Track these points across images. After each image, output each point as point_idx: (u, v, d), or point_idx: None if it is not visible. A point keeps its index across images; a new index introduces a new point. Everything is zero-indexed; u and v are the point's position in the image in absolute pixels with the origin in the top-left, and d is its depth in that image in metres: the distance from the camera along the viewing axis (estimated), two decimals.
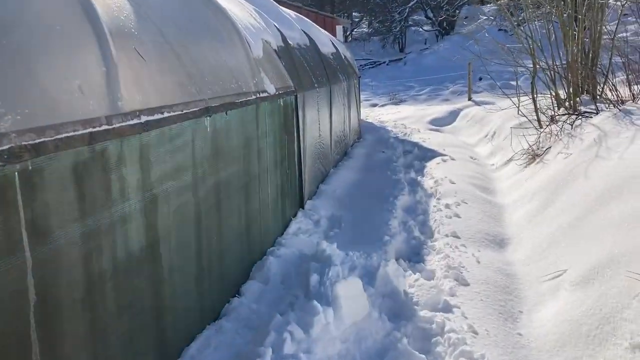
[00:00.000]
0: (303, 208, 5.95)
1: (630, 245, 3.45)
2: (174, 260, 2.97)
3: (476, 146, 11.02)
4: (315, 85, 6.98)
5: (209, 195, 3.46)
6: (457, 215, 5.60)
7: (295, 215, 5.68)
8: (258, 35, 5.22)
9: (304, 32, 7.97)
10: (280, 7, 8.11)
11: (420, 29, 33.75)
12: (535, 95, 9.06)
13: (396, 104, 17.92)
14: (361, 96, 21.67)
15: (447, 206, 5.92)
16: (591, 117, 7.19)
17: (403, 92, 20.91)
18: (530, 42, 9.06)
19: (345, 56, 10.90)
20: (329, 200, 6.46)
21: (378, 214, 5.86)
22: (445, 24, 31.59)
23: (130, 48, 2.73)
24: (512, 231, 5.33)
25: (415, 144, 10.57)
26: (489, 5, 33.65)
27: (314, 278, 3.73)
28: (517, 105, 9.67)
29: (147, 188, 2.68)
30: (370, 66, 29.74)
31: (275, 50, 5.69)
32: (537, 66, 9.03)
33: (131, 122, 2.49)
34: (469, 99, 14.81)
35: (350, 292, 3.33)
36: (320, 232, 5.38)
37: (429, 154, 9.48)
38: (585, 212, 4.51)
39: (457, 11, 32.11)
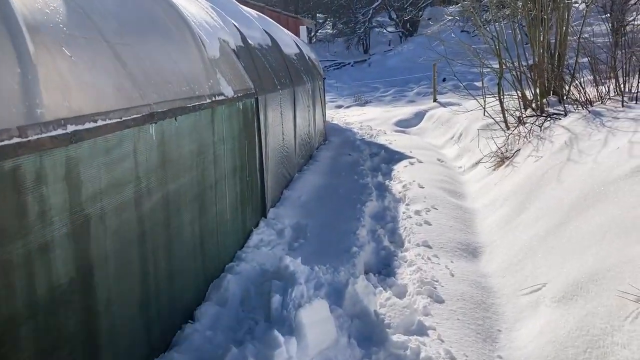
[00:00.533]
0: (265, 217, 5.58)
1: (615, 258, 3.20)
2: (112, 289, 2.57)
3: (443, 148, 10.83)
4: (278, 87, 6.62)
5: (156, 211, 3.07)
6: (428, 222, 5.32)
7: (257, 225, 5.30)
8: (214, 33, 4.83)
9: (266, 31, 7.60)
10: (241, 5, 7.72)
11: (384, 31, 33.68)
12: (502, 97, 8.88)
13: (361, 105, 17.66)
14: (326, 98, 21.39)
15: (417, 212, 5.63)
16: (560, 119, 7.02)
17: (368, 94, 20.70)
18: (496, 43, 8.89)
19: (309, 57, 10.56)
20: (293, 207, 6.11)
21: (345, 222, 5.54)
22: (408, 25, 31.59)
23: (56, 46, 2.33)
24: (485, 239, 5.07)
25: (382, 146, 10.30)
26: (452, 6, 33.87)
27: (276, 299, 3.37)
28: (483, 106, 9.50)
29: (77, 209, 2.28)
30: (335, 67, 29.48)
31: (233, 50, 5.31)
32: (504, 67, 8.86)
33: (54, 133, 2.09)
34: (434, 100, 14.64)
35: (315, 317, 2.98)
36: (284, 243, 5.02)
37: (396, 157, 9.22)
38: (562, 220, 4.27)
39: (421, 12, 32.15)
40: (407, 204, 6.08)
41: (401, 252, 4.72)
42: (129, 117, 2.69)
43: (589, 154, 5.21)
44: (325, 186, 7.21)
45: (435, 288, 3.81)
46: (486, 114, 9.53)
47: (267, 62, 6.64)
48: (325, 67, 29.84)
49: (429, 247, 4.72)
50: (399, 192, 6.65)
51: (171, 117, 3.24)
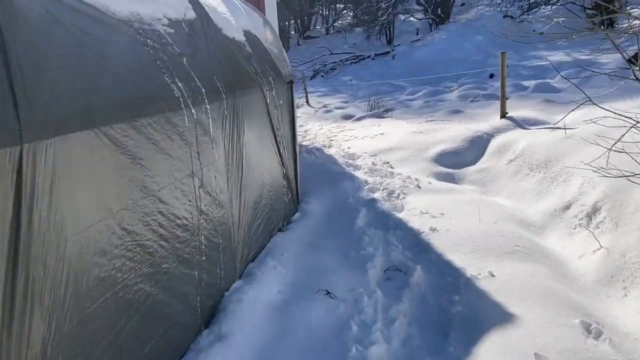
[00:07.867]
0: None
1: None
2: None
3: (544, 230, 4.67)
4: None
5: None
6: None
7: None
8: None
9: None
10: None
11: (412, 18, 27.18)
12: None
13: (379, 116, 11.38)
14: (335, 101, 15.29)
15: None
16: None
17: (390, 95, 14.46)
18: None
19: (250, 34, 4.44)
20: None
21: None
22: (440, 11, 25.04)
23: None
24: None
25: (417, 241, 4.23)
26: None
27: None
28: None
29: None
30: (353, 61, 23.25)
31: None
32: None
33: None
34: (503, 116, 8.04)
35: None
36: None
37: (456, 304, 3.16)
38: None
39: None
40: None
41: None
42: None
43: None
44: None
45: None
46: None
47: None
48: (341, 60, 23.70)
49: None
50: None
51: None
